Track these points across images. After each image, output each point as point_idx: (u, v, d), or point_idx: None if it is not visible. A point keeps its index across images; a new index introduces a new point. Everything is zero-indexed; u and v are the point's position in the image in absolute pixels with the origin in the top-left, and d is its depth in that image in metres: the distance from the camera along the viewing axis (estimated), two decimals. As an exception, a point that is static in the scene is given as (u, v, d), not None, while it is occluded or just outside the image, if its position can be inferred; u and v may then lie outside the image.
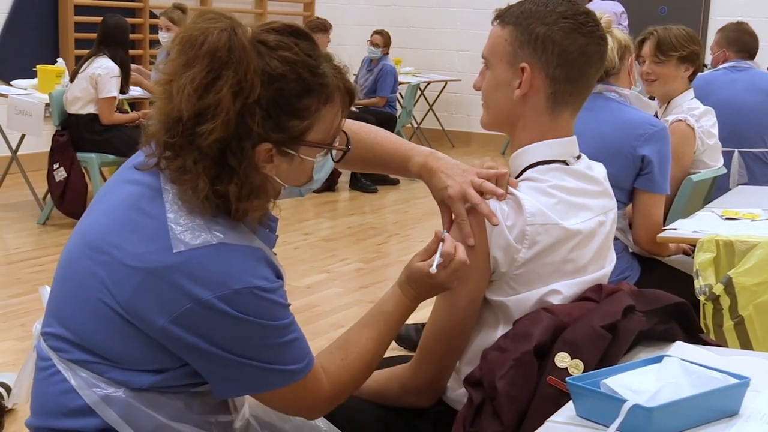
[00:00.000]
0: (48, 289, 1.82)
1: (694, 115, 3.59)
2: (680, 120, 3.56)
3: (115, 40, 6.14)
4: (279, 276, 1.58)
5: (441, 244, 1.69)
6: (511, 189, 1.77)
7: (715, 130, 3.66)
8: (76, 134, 6.03)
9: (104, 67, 6.00)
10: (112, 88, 6.00)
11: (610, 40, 3.00)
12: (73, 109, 6.03)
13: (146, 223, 1.53)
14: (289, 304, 1.58)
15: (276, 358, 1.56)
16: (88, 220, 1.63)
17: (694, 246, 2.94)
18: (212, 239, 1.51)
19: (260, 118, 1.50)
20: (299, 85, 1.53)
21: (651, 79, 3.68)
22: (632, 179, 3.13)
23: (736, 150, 4.35)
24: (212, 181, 1.51)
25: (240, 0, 9.72)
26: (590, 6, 8.63)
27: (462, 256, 1.69)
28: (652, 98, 3.82)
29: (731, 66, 4.54)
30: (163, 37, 6.79)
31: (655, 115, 3.63)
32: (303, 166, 1.60)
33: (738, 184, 4.28)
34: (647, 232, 3.16)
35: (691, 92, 3.67)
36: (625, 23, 8.58)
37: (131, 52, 6.71)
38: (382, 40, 8.59)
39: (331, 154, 1.63)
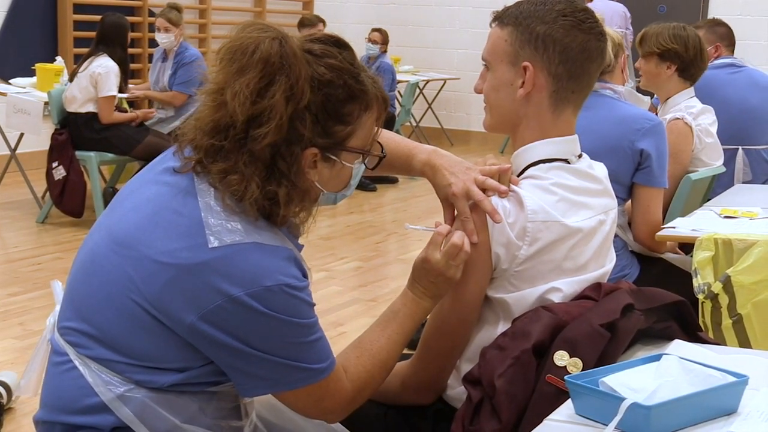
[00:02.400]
0: (59, 283, 1.83)
1: (691, 113, 3.59)
2: (677, 118, 3.56)
3: (113, 38, 6.12)
4: (305, 275, 1.60)
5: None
6: (512, 186, 1.78)
7: (714, 129, 3.65)
8: (75, 133, 6.02)
9: (104, 66, 5.99)
10: (111, 87, 5.99)
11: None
12: (73, 108, 6.02)
13: (178, 221, 1.54)
14: (314, 304, 1.60)
15: (301, 356, 1.58)
16: (114, 217, 1.63)
17: (691, 244, 2.94)
18: (246, 238, 1.53)
19: (310, 122, 1.55)
20: (344, 91, 1.58)
21: (640, 75, 3.72)
22: (631, 174, 3.14)
23: (740, 148, 4.34)
24: (263, 183, 1.54)
25: (239, -2, 9.72)
26: (598, 5, 8.53)
27: (458, 241, 1.70)
28: (647, 94, 3.82)
29: (729, 63, 4.54)
30: (161, 38, 6.66)
31: (655, 113, 3.63)
32: (343, 172, 1.65)
33: (742, 182, 4.28)
34: (647, 227, 3.16)
35: (689, 91, 3.67)
36: (631, 28, 8.64)
37: (130, 50, 6.68)
38: (381, 37, 8.59)
39: (364, 162, 1.68)
